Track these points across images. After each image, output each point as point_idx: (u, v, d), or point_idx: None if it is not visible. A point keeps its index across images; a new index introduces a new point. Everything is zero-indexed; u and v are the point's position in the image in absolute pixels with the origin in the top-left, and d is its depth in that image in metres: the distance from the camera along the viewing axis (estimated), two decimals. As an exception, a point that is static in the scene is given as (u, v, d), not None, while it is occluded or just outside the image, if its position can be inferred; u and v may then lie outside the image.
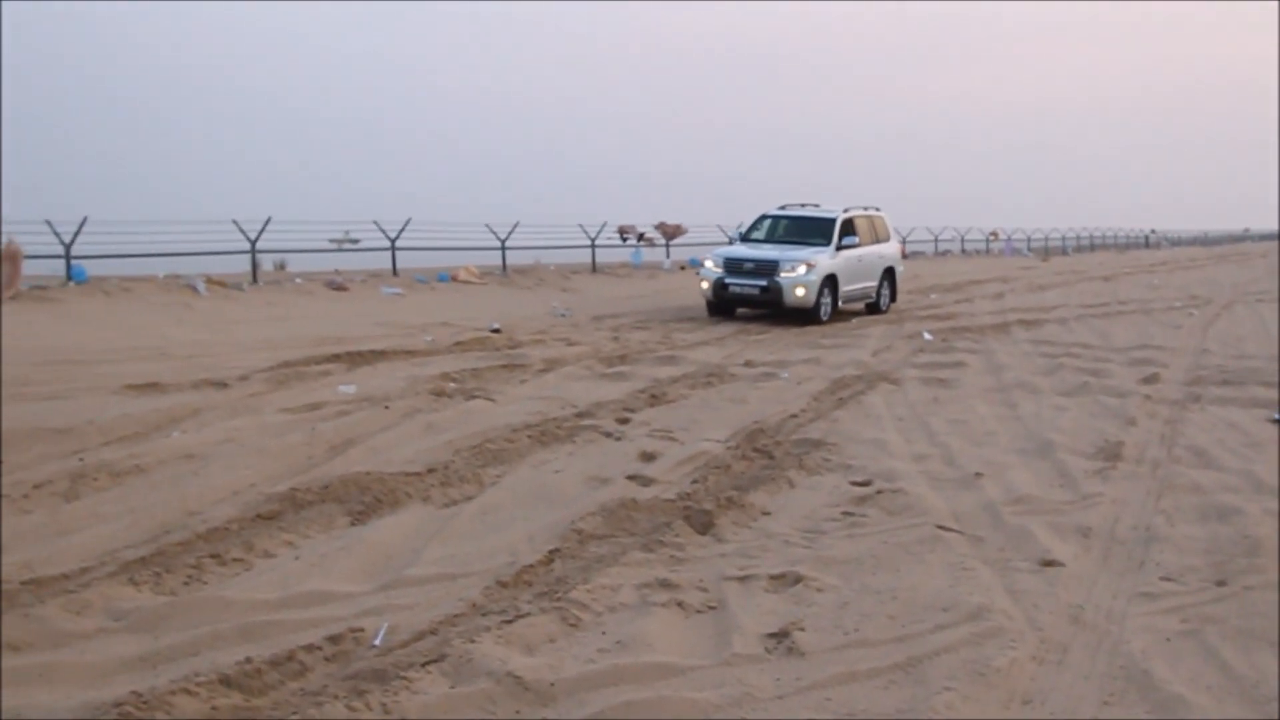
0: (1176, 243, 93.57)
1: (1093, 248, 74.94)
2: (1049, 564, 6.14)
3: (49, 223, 20.09)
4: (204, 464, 7.96)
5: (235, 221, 23.27)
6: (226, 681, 4.41)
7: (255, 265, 23.50)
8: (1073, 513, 7.21)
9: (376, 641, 4.91)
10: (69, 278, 19.79)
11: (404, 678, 4.43)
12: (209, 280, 21.14)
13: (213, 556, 5.96)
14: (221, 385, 11.39)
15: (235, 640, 4.91)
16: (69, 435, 8.71)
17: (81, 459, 8.02)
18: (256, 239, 23.42)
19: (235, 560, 5.97)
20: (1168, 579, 5.97)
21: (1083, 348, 16.09)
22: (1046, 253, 63.30)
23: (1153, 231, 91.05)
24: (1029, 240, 66.52)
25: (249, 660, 4.60)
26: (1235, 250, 79.50)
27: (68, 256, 20.08)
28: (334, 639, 4.89)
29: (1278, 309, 22.72)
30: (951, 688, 4.50)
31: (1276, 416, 10.48)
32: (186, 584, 5.63)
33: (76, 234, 20.19)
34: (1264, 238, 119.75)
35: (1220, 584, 5.87)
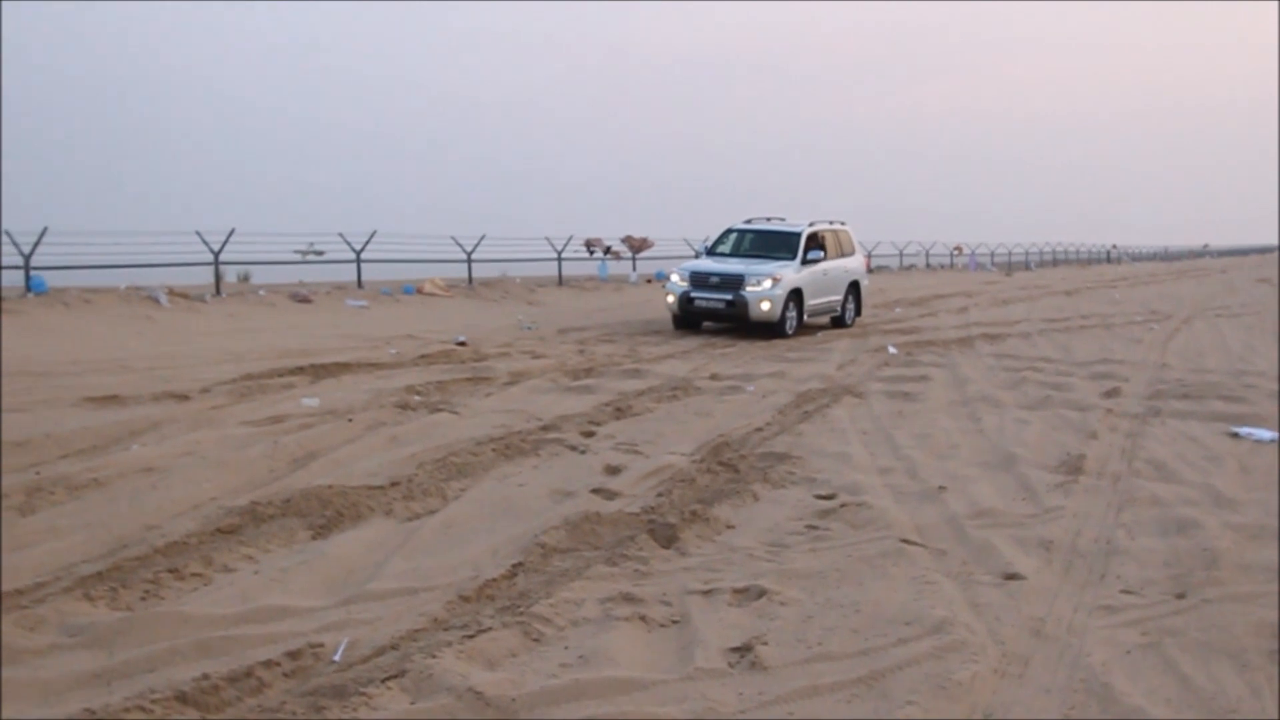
0: (1137, 258, 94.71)
1: (1055, 263, 75.72)
2: (1011, 577, 6.17)
3: (8, 233, 19.89)
4: (163, 477, 7.86)
5: (198, 233, 23.13)
6: (182, 698, 4.35)
7: (218, 277, 23.32)
8: (1035, 526, 7.25)
9: (336, 657, 4.86)
10: (28, 289, 19.57)
11: (363, 694, 4.38)
12: (171, 292, 20.95)
13: (171, 571, 5.88)
14: (183, 398, 11.28)
15: (192, 656, 4.84)
16: (26, 448, 8.58)
17: (38, 472, 7.90)
18: (220, 250, 23.25)
19: (194, 575, 5.90)
20: (1128, 592, 6.01)
21: (1045, 362, 16.22)
22: (1010, 267, 63.86)
23: (1114, 247, 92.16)
24: (993, 255, 67.10)
25: (206, 677, 4.53)
26: (1195, 266, 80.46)
27: (27, 268, 19.86)
28: (293, 654, 4.83)
29: (1237, 324, 23.01)
30: (914, 701, 4.51)
31: (1235, 430, 10.60)
32: (143, 599, 5.55)
33: (36, 244, 19.97)
34: (1223, 254, 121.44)
35: (1180, 596, 5.91)
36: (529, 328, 21.03)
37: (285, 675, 4.66)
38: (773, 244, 20.97)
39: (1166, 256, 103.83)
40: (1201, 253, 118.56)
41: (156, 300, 20.08)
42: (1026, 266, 67.27)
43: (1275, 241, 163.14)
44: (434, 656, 4.76)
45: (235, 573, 6.01)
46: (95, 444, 8.97)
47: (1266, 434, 10.36)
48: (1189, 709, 4.58)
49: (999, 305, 30.26)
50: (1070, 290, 39.28)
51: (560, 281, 31.83)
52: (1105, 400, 12.46)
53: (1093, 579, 6.24)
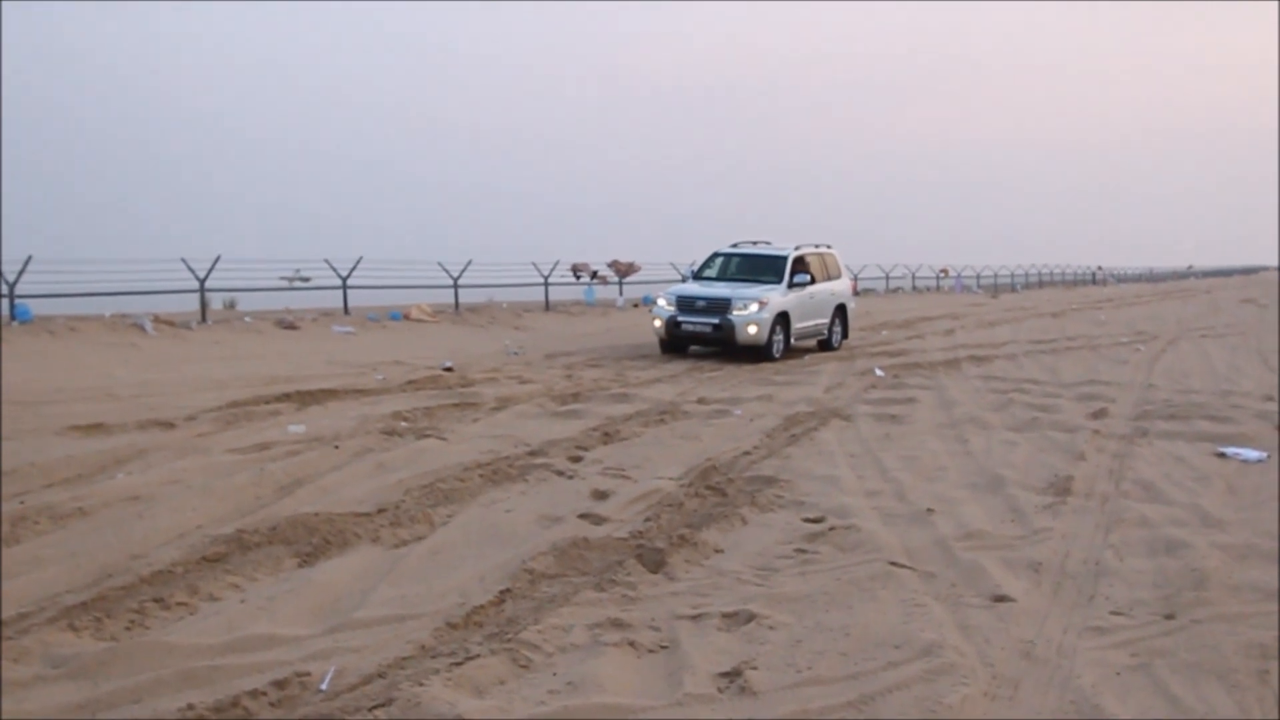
0: (1122, 280, 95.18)
1: (1041, 284, 76.05)
2: (1000, 599, 6.16)
3: (-8, 261, 19.82)
4: (149, 506, 7.81)
5: (184, 260, 23.06)
6: (168, 729, 4.31)
7: (204, 304, 23.25)
8: (1023, 547, 7.25)
9: (323, 686, 4.82)
10: (13, 317, 19.48)
11: (351, 723, 4.35)
12: (157, 319, 20.89)
13: (156, 600, 5.84)
14: (168, 426, 11.23)
15: (178, 686, 4.80)
16: (11, 477, 8.54)
17: (23, 501, 7.85)
18: (205, 277, 23.19)
19: (179, 604, 5.86)
20: (1117, 613, 6.01)
21: (1032, 383, 16.26)
22: (996, 289, 64.10)
23: (1099, 269, 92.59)
24: (978, 277, 67.37)
25: (191, 707, 4.50)
26: (1179, 287, 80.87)
27: (11, 296, 19.79)
28: (280, 684, 4.80)
29: (1223, 344, 23.10)
30: (904, 725, 4.49)
31: (1222, 450, 10.62)
32: (128, 629, 5.51)
33: (21, 273, 19.91)
34: (1207, 275, 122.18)
35: (1169, 617, 5.91)
36: (516, 353, 21.01)
37: (272, 705, 4.62)
38: (759, 268, 21.01)
39: (1151, 278, 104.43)
40: (1186, 274, 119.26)
41: (142, 328, 20.01)
42: (1012, 288, 67.55)
43: (1258, 263, 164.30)
44: (421, 684, 4.72)
45: (221, 601, 5.97)
46: (80, 473, 8.91)
47: (1253, 454, 10.39)
48: (1179, 730, 4.57)
49: (985, 327, 30.34)
50: (1056, 312, 39.42)
51: (547, 306, 31.83)
52: (1092, 421, 12.49)
53: (1082, 600, 6.24)
